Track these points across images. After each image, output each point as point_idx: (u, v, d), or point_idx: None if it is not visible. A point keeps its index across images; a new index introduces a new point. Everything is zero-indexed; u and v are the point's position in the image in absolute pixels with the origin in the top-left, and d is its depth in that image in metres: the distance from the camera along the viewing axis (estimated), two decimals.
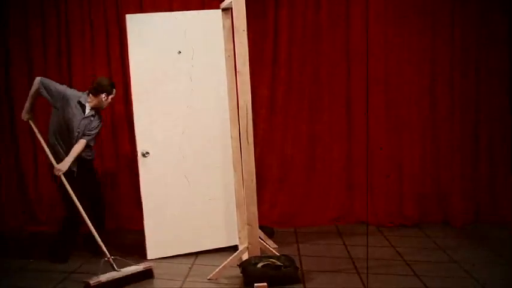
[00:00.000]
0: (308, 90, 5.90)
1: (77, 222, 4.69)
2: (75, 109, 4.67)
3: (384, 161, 5.91)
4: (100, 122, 4.84)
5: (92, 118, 4.74)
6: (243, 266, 4.30)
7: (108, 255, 4.37)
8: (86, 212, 4.56)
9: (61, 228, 4.86)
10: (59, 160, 4.65)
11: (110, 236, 5.52)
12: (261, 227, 4.76)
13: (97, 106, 4.76)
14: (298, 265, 4.48)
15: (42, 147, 4.77)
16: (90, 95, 4.74)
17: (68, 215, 4.77)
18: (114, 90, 4.84)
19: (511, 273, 4.53)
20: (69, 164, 4.63)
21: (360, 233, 5.64)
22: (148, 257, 4.87)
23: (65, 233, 4.84)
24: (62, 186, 4.60)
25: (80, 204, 4.55)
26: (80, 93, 4.77)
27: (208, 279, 4.40)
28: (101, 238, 4.53)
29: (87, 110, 4.72)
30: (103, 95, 4.71)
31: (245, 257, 4.44)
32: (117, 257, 4.42)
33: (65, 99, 4.66)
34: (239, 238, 4.91)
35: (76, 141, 4.67)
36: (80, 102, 4.70)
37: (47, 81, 4.70)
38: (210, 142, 5.01)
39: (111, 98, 4.82)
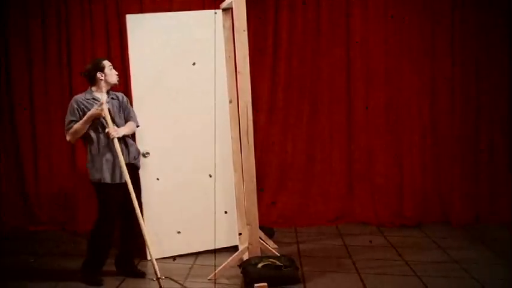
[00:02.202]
0: (308, 90, 5.90)
1: (108, 240, 4.35)
2: (91, 105, 4.27)
3: (384, 160, 5.91)
4: (125, 98, 4.50)
5: (113, 101, 4.39)
6: (244, 266, 4.30)
7: (159, 275, 4.07)
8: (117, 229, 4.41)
9: (91, 242, 4.42)
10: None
11: None
12: (261, 227, 4.76)
13: (106, 87, 4.37)
14: (298, 265, 4.47)
15: None
16: (91, 86, 4.38)
17: (99, 223, 4.35)
18: (104, 62, 4.41)
19: (511, 273, 4.53)
20: (124, 132, 4.30)
21: (360, 233, 5.65)
22: (149, 257, 4.86)
23: (95, 254, 4.39)
24: (104, 196, 4.31)
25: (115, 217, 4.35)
26: (83, 94, 4.40)
27: (209, 279, 4.40)
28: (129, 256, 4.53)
29: (103, 97, 4.30)
30: (99, 75, 4.34)
31: (245, 257, 4.44)
32: (168, 277, 4.20)
33: (82, 110, 4.28)
34: (239, 238, 4.91)
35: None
36: (90, 100, 4.30)
37: (69, 119, 4.29)
38: (210, 142, 5.00)
39: (111, 69, 4.41)
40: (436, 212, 5.94)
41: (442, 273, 4.50)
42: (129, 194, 4.21)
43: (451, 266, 4.69)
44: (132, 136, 5.04)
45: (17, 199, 5.91)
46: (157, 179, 4.92)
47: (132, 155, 4.41)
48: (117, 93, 4.53)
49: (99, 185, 4.32)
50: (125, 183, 4.22)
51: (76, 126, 4.25)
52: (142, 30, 4.86)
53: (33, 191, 5.90)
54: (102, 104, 4.20)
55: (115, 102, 4.42)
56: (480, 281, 4.32)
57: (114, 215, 4.34)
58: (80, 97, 4.37)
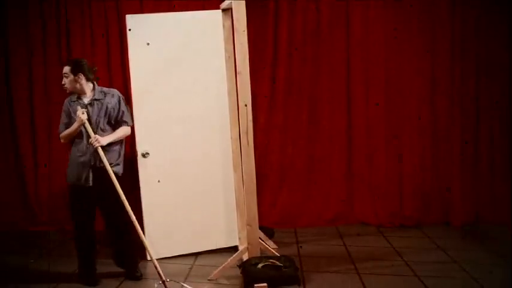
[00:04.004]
0: (308, 90, 5.90)
1: (86, 240, 4.39)
2: (74, 107, 4.28)
3: (383, 160, 5.91)
4: (114, 99, 4.37)
5: (93, 107, 4.30)
6: (243, 266, 4.30)
7: (164, 278, 4.06)
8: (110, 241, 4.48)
9: (76, 249, 4.49)
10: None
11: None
12: (261, 228, 4.76)
13: (76, 90, 4.34)
14: (298, 266, 4.47)
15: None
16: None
17: (74, 233, 4.44)
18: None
19: (511, 273, 4.52)
20: (107, 141, 4.25)
21: (359, 233, 5.65)
22: (148, 257, 4.87)
23: (80, 255, 4.45)
24: (71, 198, 4.40)
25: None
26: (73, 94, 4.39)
27: (209, 279, 4.41)
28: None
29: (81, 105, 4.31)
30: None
31: (245, 257, 4.44)
32: (173, 280, 4.19)
33: (70, 112, 4.35)
34: (239, 238, 4.92)
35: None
36: (76, 101, 4.32)
37: (62, 121, 4.40)
38: (210, 142, 5.01)
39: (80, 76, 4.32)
40: (436, 212, 5.94)
41: (442, 273, 4.51)
42: (106, 196, 4.24)
43: (451, 266, 4.69)
44: (132, 137, 5.03)
45: (17, 199, 5.91)
46: (158, 181, 4.92)
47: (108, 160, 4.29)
48: (109, 91, 4.41)
49: (68, 187, 4.43)
50: (98, 187, 4.25)
51: (66, 132, 4.35)
52: (142, 30, 4.86)
53: (33, 191, 5.90)
54: (79, 115, 4.21)
55: (96, 107, 4.31)
56: (480, 281, 4.32)
57: (83, 217, 4.35)
58: (68, 99, 4.41)
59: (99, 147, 4.20)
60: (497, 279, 4.38)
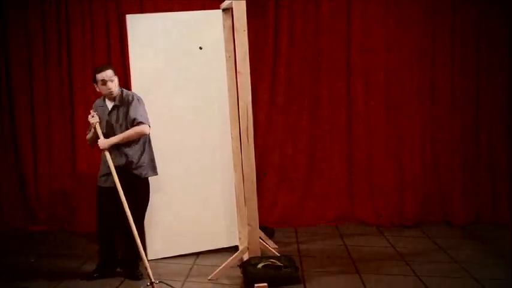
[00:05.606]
0: (308, 90, 5.90)
1: (102, 240, 4.50)
2: (101, 112, 4.38)
3: (384, 160, 5.91)
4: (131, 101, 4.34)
5: (114, 111, 4.36)
6: (244, 266, 4.30)
7: (152, 279, 4.03)
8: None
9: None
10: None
11: None
12: (261, 227, 4.76)
13: (106, 95, 4.38)
14: (298, 265, 4.48)
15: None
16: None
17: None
18: (98, 75, 4.29)
19: (511, 273, 4.53)
20: (110, 143, 4.23)
21: (360, 233, 5.65)
22: (149, 257, 4.86)
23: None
24: (99, 196, 4.44)
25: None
26: (101, 98, 4.46)
27: (209, 279, 4.40)
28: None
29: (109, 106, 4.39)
30: (95, 86, 4.41)
31: (245, 257, 4.44)
32: (162, 281, 4.14)
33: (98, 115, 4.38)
34: (239, 238, 4.91)
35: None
36: (101, 107, 4.41)
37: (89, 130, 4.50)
38: (210, 142, 5.01)
39: (103, 85, 4.30)
40: (436, 212, 5.94)
41: (442, 273, 4.51)
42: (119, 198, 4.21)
43: (451, 266, 4.69)
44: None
45: (17, 199, 5.90)
46: (159, 180, 4.92)
47: (123, 161, 4.33)
48: (126, 95, 4.38)
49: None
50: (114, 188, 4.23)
51: (87, 137, 4.47)
52: (143, 30, 4.86)
53: (33, 191, 5.89)
54: (89, 119, 4.33)
55: (120, 112, 4.35)
56: (480, 281, 4.33)
57: (104, 217, 4.41)
58: (97, 102, 4.49)
59: (106, 151, 4.25)
60: (498, 278, 4.38)
